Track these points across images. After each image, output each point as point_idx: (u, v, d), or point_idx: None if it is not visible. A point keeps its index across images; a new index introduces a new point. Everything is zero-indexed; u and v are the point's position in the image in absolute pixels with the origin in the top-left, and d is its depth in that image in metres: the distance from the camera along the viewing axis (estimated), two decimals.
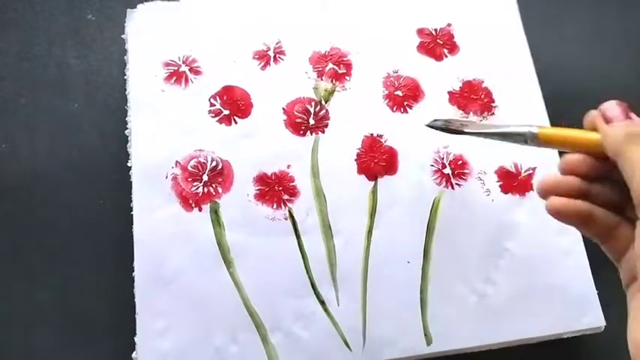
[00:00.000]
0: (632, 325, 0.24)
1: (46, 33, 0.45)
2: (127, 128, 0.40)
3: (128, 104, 0.41)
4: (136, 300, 0.36)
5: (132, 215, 0.38)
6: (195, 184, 0.39)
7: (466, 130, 0.34)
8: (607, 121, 0.26)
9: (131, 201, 0.38)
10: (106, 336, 0.36)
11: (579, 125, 0.28)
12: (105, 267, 0.38)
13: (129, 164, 0.39)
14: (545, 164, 0.40)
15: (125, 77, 0.42)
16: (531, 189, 0.40)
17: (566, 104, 0.44)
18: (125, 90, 0.41)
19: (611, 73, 0.47)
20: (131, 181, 0.38)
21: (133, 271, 0.36)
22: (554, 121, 0.42)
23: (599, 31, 0.48)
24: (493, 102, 0.42)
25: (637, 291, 0.25)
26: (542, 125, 0.29)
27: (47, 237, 0.39)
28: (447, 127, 0.36)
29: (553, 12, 0.48)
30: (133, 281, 0.36)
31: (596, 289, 0.38)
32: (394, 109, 0.42)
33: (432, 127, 0.37)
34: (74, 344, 0.37)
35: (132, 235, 0.37)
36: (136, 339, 0.35)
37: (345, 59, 0.43)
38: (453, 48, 0.44)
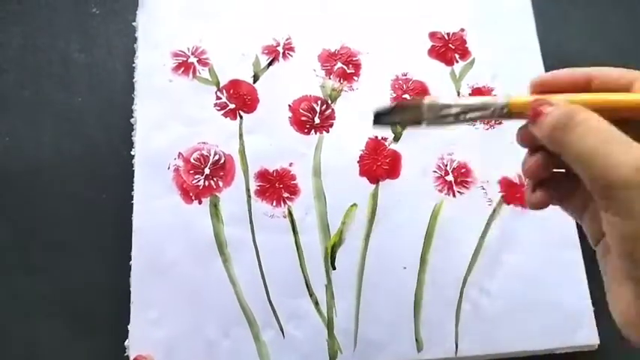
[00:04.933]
0: (612, 295, 0.22)
1: (50, 26, 0.44)
2: (130, 122, 0.40)
3: (135, 92, 0.41)
4: (131, 289, 0.36)
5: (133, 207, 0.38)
6: (197, 176, 0.39)
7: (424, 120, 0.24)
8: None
9: (133, 195, 0.38)
10: (107, 327, 0.36)
11: None
12: (106, 259, 0.38)
13: (132, 153, 0.39)
14: None
15: (134, 65, 0.42)
16: None
17: None
18: (129, 82, 0.41)
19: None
20: (133, 175, 0.39)
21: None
22: None
23: (605, 29, 0.47)
24: None
25: (607, 252, 0.23)
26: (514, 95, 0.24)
27: (49, 229, 0.39)
28: (396, 122, 0.26)
29: (558, 8, 0.47)
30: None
31: (593, 307, 0.37)
32: None
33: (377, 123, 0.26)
34: (75, 335, 0.37)
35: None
36: (129, 327, 0.36)
37: (354, 59, 0.42)
38: (464, 53, 0.43)
